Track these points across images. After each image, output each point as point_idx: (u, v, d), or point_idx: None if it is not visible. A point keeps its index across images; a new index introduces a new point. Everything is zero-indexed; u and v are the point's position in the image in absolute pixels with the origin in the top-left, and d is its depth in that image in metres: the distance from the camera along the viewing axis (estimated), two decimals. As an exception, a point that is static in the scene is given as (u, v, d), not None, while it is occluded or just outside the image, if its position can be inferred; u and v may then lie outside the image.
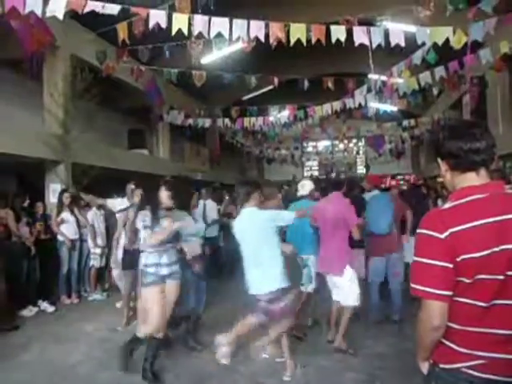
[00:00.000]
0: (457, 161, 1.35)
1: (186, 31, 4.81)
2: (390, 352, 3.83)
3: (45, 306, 5.65)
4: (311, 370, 3.49)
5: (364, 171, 22.25)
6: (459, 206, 1.31)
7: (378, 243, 4.48)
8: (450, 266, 1.25)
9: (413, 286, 1.31)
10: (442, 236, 1.26)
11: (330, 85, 8.53)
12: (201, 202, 6.32)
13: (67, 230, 6.03)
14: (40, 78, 7.94)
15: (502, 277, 1.23)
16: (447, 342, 1.32)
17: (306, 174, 23.52)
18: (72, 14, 7.95)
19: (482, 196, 1.30)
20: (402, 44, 4.75)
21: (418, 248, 1.32)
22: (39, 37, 6.13)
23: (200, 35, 6.02)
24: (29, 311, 5.42)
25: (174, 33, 4.87)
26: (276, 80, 8.88)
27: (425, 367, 1.41)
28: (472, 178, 1.34)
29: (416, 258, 1.32)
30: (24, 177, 8.58)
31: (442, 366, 1.33)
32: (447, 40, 4.91)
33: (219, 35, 4.97)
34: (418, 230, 1.34)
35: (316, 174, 23.32)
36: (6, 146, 6.59)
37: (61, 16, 4.55)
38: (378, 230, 4.38)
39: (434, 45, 5.43)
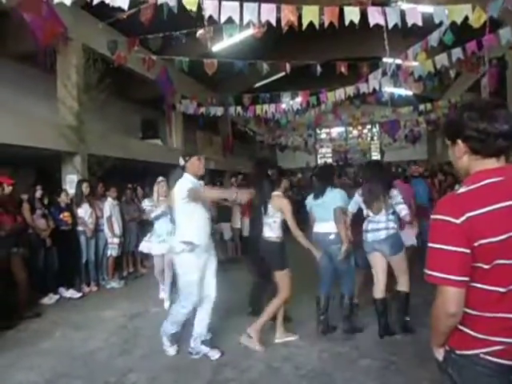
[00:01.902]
0: (483, 145, 1.28)
1: (195, 10, 4.75)
2: (405, 338, 3.82)
3: (71, 292, 5.85)
4: (326, 356, 3.50)
5: (379, 157, 21.94)
6: (475, 190, 1.27)
7: None
8: (467, 251, 1.22)
9: (428, 272, 1.28)
10: (459, 221, 1.23)
11: (343, 69, 8.36)
12: None
13: (86, 220, 6.14)
14: (53, 70, 8.00)
15: None
16: (464, 328, 1.29)
17: (319, 161, 23.33)
18: (82, 5, 7.99)
19: (498, 179, 1.26)
20: (420, 23, 4.57)
21: (434, 234, 1.29)
22: (51, 29, 6.16)
23: (210, 22, 5.97)
24: (49, 299, 5.58)
25: (187, 7, 4.78)
26: (288, 66, 8.73)
27: (440, 353, 1.39)
28: (491, 164, 1.29)
29: (431, 244, 1.28)
30: (42, 169, 8.73)
31: (458, 352, 1.31)
32: (465, 19, 4.73)
33: (230, 20, 4.90)
34: (432, 216, 1.30)
35: (330, 160, 23.10)
36: (22, 138, 6.70)
37: (68, 2, 4.55)
38: None
39: (452, 25, 5.24)
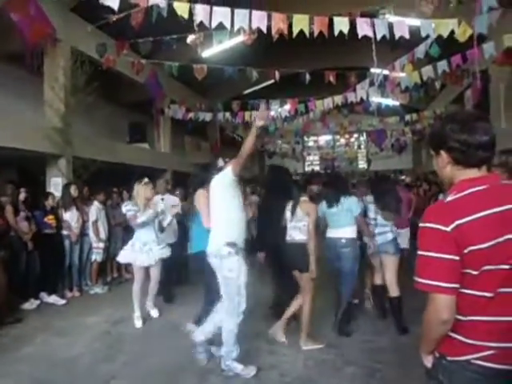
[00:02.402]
0: (464, 155, 1.32)
1: (186, 17, 4.77)
2: (390, 345, 3.84)
3: (54, 298, 5.70)
4: (312, 364, 3.50)
5: (365, 166, 22.21)
6: (462, 198, 1.30)
7: None
8: (457, 258, 1.24)
9: (418, 280, 1.30)
10: (449, 229, 1.25)
11: (331, 79, 8.48)
12: None
13: (72, 224, 6.04)
14: (41, 71, 7.90)
15: (507, 266, 1.23)
16: (454, 335, 1.31)
17: (307, 168, 23.49)
18: (72, 7, 7.95)
19: (482, 188, 1.30)
20: (407, 36, 4.69)
21: (423, 242, 1.30)
22: (40, 29, 6.09)
23: (201, 28, 5.99)
24: (30, 304, 5.45)
25: (178, 13, 4.81)
26: (277, 74, 8.82)
27: (429, 360, 1.40)
28: (473, 173, 1.33)
29: (421, 252, 1.30)
30: (25, 171, 8.57)
31: (450, 358, 1.32)
32: (451, 33, 4.85)
33: (220, 26, 4.93)
34: (421, 224, 1.32)
35: (317, 168, 23.29)
36: (7, 139, 6.58)
37: None
38: None
39: (438, 38, 5.37)
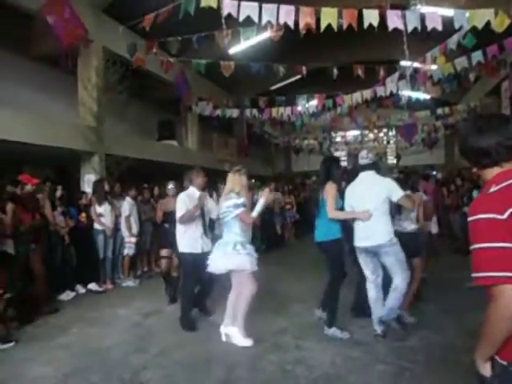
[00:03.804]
0: (475, 160, 1.36)
1: (215, 6, 4.81)
2: (420, 345, 3.76)
3: (93, 286, 6.08)
4: (339, 360, 3.48)
5: (394, 161, 21.70)
6: (506, 187, 1.27)
7: None
8: None
9: (481, 274, 1.23)
10: (504, 216, 1.21)
11: (360, 73, 8.33)
12: None
13: (105, 219, 6.28)
14: (74, 71, 8.19)
15: None
16: None
17: (334, 164, 23.16)
18: (104, 8, 8.17)
19: None
20: (440, 28, 4.53)
21: (479, 234, 1.25)
22: (74, 31, 6.31)
23: (228, 24, 6.03)
24: (66, 295, 5.71)
25: (203, 3, 4.87)
26: (304, 69, 8.75)
27: (486, 368, 1.28)
28: (497, 170, 1.34)
29: (478, 245, 1.25)
30: (61, 168, 8.93)
31: None
32: (487, 23, 4.65)
33: (247, 23, 4.95)
34: (473, 217, 1.27)
35: (344, 164, 22.96)
36: (45, 138, 6.88)
37: None
38: None
39: (473, 28, 5.16)
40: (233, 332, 3.82)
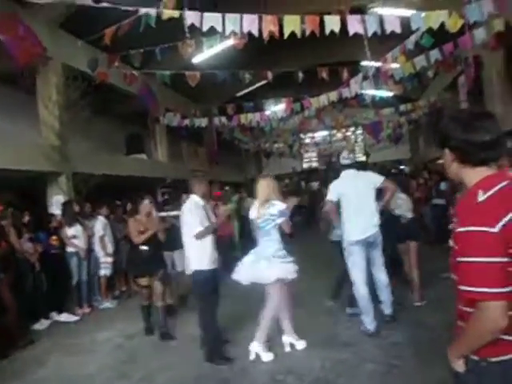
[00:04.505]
0: (467, 156, 1.32)
1: (177, 16, 4.75)
2: (406, 341, 3.82)
3: (65, 316, 5.72)
4: (328, 365, 3.48)
5: (364, 159, 22.18)
6: (494, 195, 1.25)
7: None
8: (505, 259, 1.19)
9: (470, 289, 1.22)
10: (496, 229, 1.19)
11: (324, 75, 8.48)
12: None
13: (78, 240, 6.05)
14: (33, 90, 7.89)
15: None
16: (501, 335, 1.25)
17: (305, 165, 23.46)
18: (60, 23, 7.94)
19: (507, 183, 1.27)
20: (398, 31, 4.68)
21: (470, 247, 1.22)
22: (30, 49, 6.08)
23: (191, 34, 5.98)
24: (40, 324, 5.44)
25: (164, 18, 4.81)
26: (270, 74, 8.82)
27: (460, 365, 1.33)
28: (482, 172, 1.31)
29: (468, 259, 1.22)
30: (26, 191, 8.56)
31: (493, 359, 1.26)
32: (442, 24, 4.83)
33: (211, 32, 4.92)
34: (463, 229, 1.25)
35: (315, 164, 23.26)
36: (5, 161, 6.57)
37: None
38: None
39: (430, 28, 5.36)
40: (255, 347, 3.66)
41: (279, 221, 3.61)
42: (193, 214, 3.74)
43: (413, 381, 3.12)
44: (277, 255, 3.60)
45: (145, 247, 4.58)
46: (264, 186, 3.71)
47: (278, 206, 3.61)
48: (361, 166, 4.47)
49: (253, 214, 3.74)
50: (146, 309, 4.76)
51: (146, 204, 4.70)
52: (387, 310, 4.22)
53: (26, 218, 5.82)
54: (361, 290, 4.03)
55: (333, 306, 4.64)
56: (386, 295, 4.21)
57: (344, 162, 4.30)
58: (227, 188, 10.83)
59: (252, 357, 3.62)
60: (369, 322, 3.98)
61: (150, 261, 4.57)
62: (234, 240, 8.22)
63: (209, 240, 3.78)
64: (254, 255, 3.71)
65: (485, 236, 1.20)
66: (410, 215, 4.88)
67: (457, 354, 1.34)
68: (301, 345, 3.77)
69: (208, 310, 3.75)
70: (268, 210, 3.60)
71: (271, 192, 3.68)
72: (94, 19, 6.44)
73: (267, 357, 3.62)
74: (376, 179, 4.14)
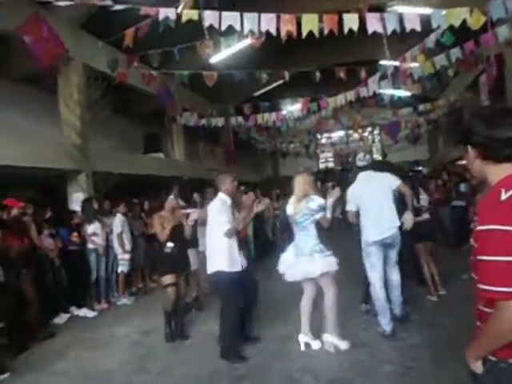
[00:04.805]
0: (490, 152, 1.31)
1: (196, 19, 4.78)
2: (423, 342, 3.77)
3: (84, 311, 5.84)
4: (346, 365, 3.46)
5: (381, 158, 21.90)
6: None
7: None
8: None
9: (490, 288, 1.21)
10: None
11: (341, 75, 8.42)
12: None
13: (97, 237, 6.16)
14: (55, 89, 8.08)
15: None
16: None
17: (321, 165, 23.33)
18: (82, 24, 8.11)
19: None
20: (418, 29, 4.61)
21: (491, 245, 1.21)
22: (53, 50, 6.23)
23: (209, 34, 6.03)
24: (60, 319, 5.56)
25: (184, 20, 4.85)
26: (287, 73, 8.81)
27: (479, 367, 1.32)
28: (507, 168, 1.29)
29: (489, 258, 1.21)
30: (47, 188, 8.77)
31: (511, 360, 1.25)
32: (463, 21, 4.74)
33: (229, 32, 4.95)
34: (484, 227, 1.24)
35: (331, 165, 23.11)
36: (28, 159, 6.74)
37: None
38: None
39: (450, 26, 5.26)
40: (330, 339, 3.70)
41: (318, 216, 3.64)
42: (221, 212, 3.71)
43: (430, 383, 3.07)
44: (316, 250, 3.63)
45: (171, 244, 4.36)
46: (301, 181, 3.74)
47: (318, 200, 3.64)
48: (378, 167, 4.37)
49: (290, 209, 3.77)
50: (169, 314, 4.45)
51: (171, 199, 4.56)
52: (397, 309, 4.18)
53: (48, 214, 5.95)
54: (378, 291, 4.01)
55: (369, 309, 4.50)
56: (395, 295, 4.16)
57: (360, 163, 4.32)
58: (242, 187, 10.84)
59: (328, 348, 3.68)
60: (385, 323, 3.95)
61: (176, 258, 4.40)
62: (247, 240, 8.24)
63: (234, 240, 3.76)
64: (293, 252, 3.74)
65: (506, 235, 1.18)
66: (426, 215, 4.84)
67: (475, 354, 1.32)
68: (335, 344, 3.72)
69: (229, 309, 3.74)
70: (307, 205, 3.62)
71: (308, 187, 3.70)
72: (114, 20, 6.57)
73: (346, 345, 3.69)
74: (392, 182, 4.10)
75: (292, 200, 3.79)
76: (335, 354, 3.65)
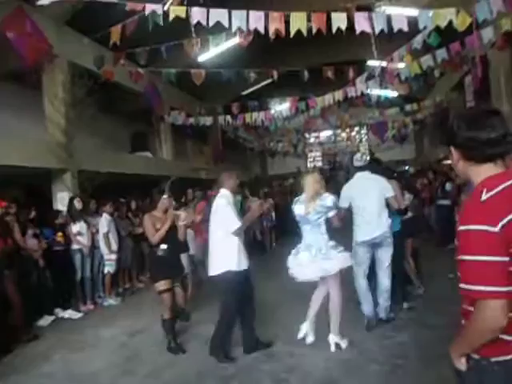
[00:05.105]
0: (472, 152, 1.33)
1: (184, 16, 4.72)
2: (410, 341, 3.80)
3: (70, 313, 5.75)
4: (332, 364, 3.47)
5: (368, 158, 22.06)
6: (497, 195, 1.25)
7: None
8: (507, 259, 1.20)
9: (471, 287, 1.23)
10: (497, 229, 1.20)
11: (329, 74, 8.46)
12: None
13: (82, 237, 6.07)
14: (40, 87, 7.92)
15: None
16: (501, 335, 1.26)
17: (309, 165, 23.41)
18: (66, 20, 7.96)
19: (511, 183, 1.27)
20: (406, 29, 4.65)
21: (471, 245, 1.23)
22: (36, 46, 6.10)
23: (197, 32, 5.97)
24: (45, 320, 5.46)
25: (171, 18, 4.78)
26: (275, 73, 8.81)
27: (462, 363, 1.34)
28: (489, 169, 1.31)
29: (469, 257, 1.23)
30: (32, 187, 8.60)
31: (494, 359, 1.27)
32: (450, 22, 4.80)
33: (217, 30, 4.90)
34: (464, 227, 1.26)
35: (319, 164, 23.22)
36: (12, 158, 6.59)
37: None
38: None
39: (437, 27, 5.32)
40: (334, 339, 3.72)
41: (331, 213, 3.68)
42: (229, 209, 3.60)
43: (417, 381, 3.10)
44: (332, 246, 3.67)
45: (164, 246, 4.05)
46: (311, 181, 3.73)
47: (331, 197, 3.68)
48: (374, 168, 4.43)
49: (299, 209, 3.75)
50: (169, 323, 4.08)
51: (164, 199, 4.22)
52: (381, 313, 4.24)
53: (33, 214, 5.82)
54: (360, 282, 4.19)
55: (413, 307, 4.59)
56: (382, 299, 4.23)
57: (357, 163, 4.39)
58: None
59: (332, 349, 3.69)
60: (369, 310, 4.16)
61: (170, 262, 4.09)
62: None
63: (241, 239, 3.68)
64: (307, 251, 3.70)
65: (485, 235, 1.20)
66: (409, 214, 4.95)
67: (458, 352, 1.35)
68: (338, 343, 3.76)
69: (231, 309, 3.67)
70: (321, 203, 3.64)
71: (319, 186, 3.71)
72: (100, 16, 6.46)
73: (345, 343, 3.74)
74: (386, 189, 4.15)
75: (302, 199, 3.77)
76: (322, 353, 3.66)
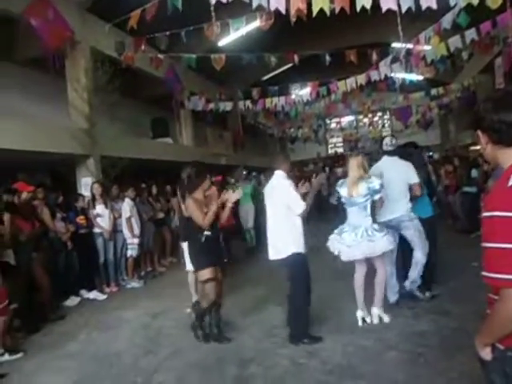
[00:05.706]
0: (500, 136, 1.27)
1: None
2: (431, 329, 3.75)
3: (95, 294, 5.94)
4: (351, 350, 3.46)
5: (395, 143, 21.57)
6: None
7: None
8: None
9: (495, 275, 1.19)
10: None
11: (352, 58, 8.23)
12: None
13: (103, 222, 6.21)
14: (63, 73, 8.03)
15: None
16: None
17: (330, 151, 23.12)
18: (88, 6, 8.00)
19: None
20: (434, 6, 4.44)
21: (496, 232, 1.19)
22: (59, 33, 6.17)
23: (217, 16, 5.90)
24: (71, 301, 5.67)
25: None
26: (296, 57, 8.64)
27: (488, 353, 1.31)
28: None
29: (494, 244, 1.19)
30: (57, 173, 8.82)
31: None
32: (482, 0, 4.56)
33: (236, 14, 4.79)
34: (489, 213, 1.21)
35: (340, 150, 22.90)
36: (36, 143, 6.75)
37: None
38: None
39: (467, 5, 5.07)
40: (376, 312, 3.92)
41: (377, 196, 3.77)
42: (293, 189, 3.59)
43: (437, 370, 3.06)
44: (376, 229, 3.77)
45: (208, 232, 3.77)
46: (355, 164, 3.80)
47: (378, 180, 3.75)
48: (404, 153, 4.44)
49: (344, 191, 3.85)
50: (202, 314, 3.94)
51: (207, 181, 3.96)
52: (408, 285, 4.29)
53: (60, 199, 5.99)
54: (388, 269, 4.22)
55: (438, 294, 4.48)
56: (412, 271, 4.23)
57: (386, 148, 4.40)
58: (244, 172, 10.78)
59: (375, 320, 3.89)
60: (390, 294, 4.23)
61: (213, 248, 3.87)
62: (246, 227, 8.31)
63: (300, 221, 3.68)
64: (352, 232, 3.78)
65: (511, 222, 1.15)
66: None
67: (483, 341, 1.32)
68: (380, 317, 3.93)
69: (302, 294, 3.64)
70: (369, 185, 3.72)
71: (363, 169, 3.78)
72: (120, 2, 6.47)
73: (388, 318, 3.90)
74: (410, 177, 4.18)
75: (347, 182, 3.86)
76: (341, 339, 3.65)
